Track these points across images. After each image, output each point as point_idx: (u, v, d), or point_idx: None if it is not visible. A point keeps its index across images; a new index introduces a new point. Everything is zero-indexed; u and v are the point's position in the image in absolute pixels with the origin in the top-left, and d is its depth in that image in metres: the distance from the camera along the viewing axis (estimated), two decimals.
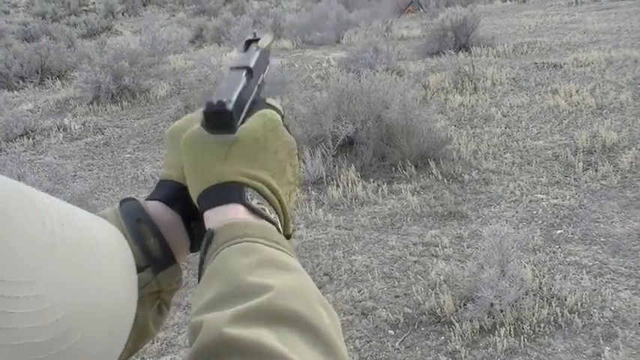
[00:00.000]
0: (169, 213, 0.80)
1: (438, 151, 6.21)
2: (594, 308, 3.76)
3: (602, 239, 4.60)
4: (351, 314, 3.99)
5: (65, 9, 29.11)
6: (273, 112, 0.83)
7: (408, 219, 5.21)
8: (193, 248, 0.82)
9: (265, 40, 0.95)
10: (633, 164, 5.68)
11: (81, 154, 8.08)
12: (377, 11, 17.64)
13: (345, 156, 6.30)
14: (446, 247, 4.66)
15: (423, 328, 3.82)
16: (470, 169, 5.98)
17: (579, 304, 3.78)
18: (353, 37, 13.51)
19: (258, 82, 0.89)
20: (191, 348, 0.58)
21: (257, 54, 0.89)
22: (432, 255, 4.61)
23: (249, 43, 0.93)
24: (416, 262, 4.55)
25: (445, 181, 5.80)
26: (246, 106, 0.81)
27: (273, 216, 0.75)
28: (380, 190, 5.74)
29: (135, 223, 0.75)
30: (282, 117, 0.85)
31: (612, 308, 3.76)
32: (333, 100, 6.64)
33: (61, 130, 9.00)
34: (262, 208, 0.74)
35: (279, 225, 0.76)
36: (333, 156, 6.20)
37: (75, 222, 0.51)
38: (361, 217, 5.33)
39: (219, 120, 0.75)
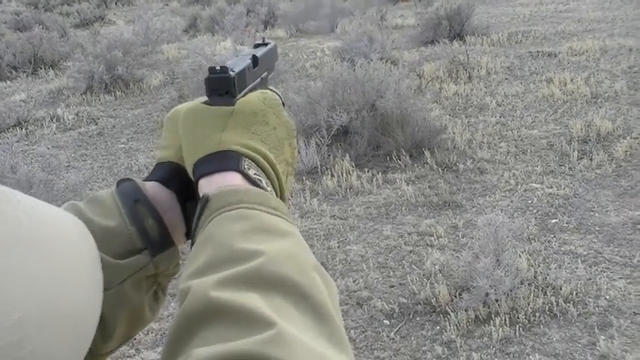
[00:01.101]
0: (166, 193, 0.79)
1: (432, 140, 6.20)
2: (589, 297, 3.77)
3: (597, 228, 4.60)
4: (346, 304, 3.98)
5: None
6: (274, 93, 0.83)
7: (403, 208, 5.20)
8: (189, 234, 0.81)
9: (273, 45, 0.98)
10: (628, 153, 5.69)
11: (74, 144, 8.04)
12: (371, 0, 17.58)
13: (339, 145, 6.28)
14: (441, 237, 4.66)
15: (418, 318, 3.82)
16: (465, 159, 5.97)
17: (574, 293, 3.78)
18: (347, 26, 13.45)
19: (262, 75, 0.91)
20: (177, 312, 0.57)
21: (265, 49, 0.93)
22: (427, 244, 4.60)
23: (258, 45, 0.97)
24: (411, 251, 4.54)
25: (440, 170, 5.80)
26: (248, 88, 0.83)
27: (269, 189, 0.74)
28: (375, 180, 5.73)
29: (132, 203, 0.74)
30: (283, 103, 0.85)
31: (607, 297, 3.77)
32: (328, 90, 6.62)
33: (54, 120, 8.96)
34: (259, 179, 0.73)
35: None
36: (327, 145, 6.19)
37: (38, 216, 0.49)
38: (356, 206, 5.33)
39: (221, 85, 0.76)
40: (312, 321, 0.56)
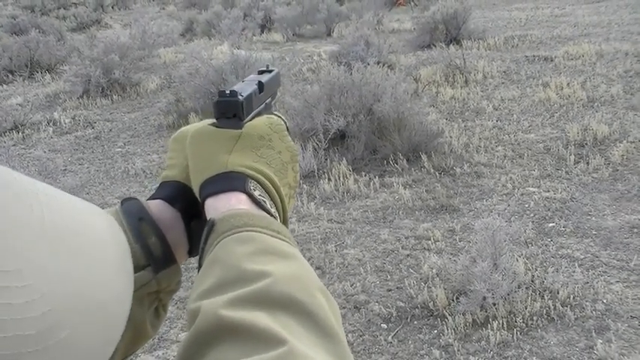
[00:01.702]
0: (170, 211, 0.81)
1: (429, 144, 6.20)
2: (586, 301, 3.77)
3: (594, 232, 4.61)
4: (344, 308, 3.98)
5: (54, 2, 28.95)
6: (279, 119, 0.86)
7: (400, 212, 5.21)
8: (192, 252, 0.83)
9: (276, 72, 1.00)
10: (624, 157, 5.70)
11: (71, 148, 8.03)
12: (368, 4, 17.60)
13: (336, 149, 6.29)
14: (438, 241, 4.66)
15: (415, 322, 3.81)
16: (461, 163, 5.98)
17: (571, 297, 3.78)
18: (344, 30, 13.48)
19: (266, 101, 0.94)
20: (188, 332, 0.58)
21: (269, 75, 0.95)
22: (425, 248, 4.60)
23: (262, 72, 0.98)
24: (408, 255, 4.54)
25: (437, 174, 5.80)
26: (253, 112, 0.85)
27: (273, 210, 0.76)
28: (372, 184, 5.73)
29: (136, 221, 0.75)
30: (287, 129, 0.88)
31: (604, 301, 3.77)
32: (325, 94, 6.62)
33: (50, 124, 8.95)
34: (263, 200, 0.75)
35: (278, 220, 0.76)
36: (324, 149, 6.19)
37: (66, 209, 0.50)
38: (353, 210, 5.33)
39: (230, 109, 0.79)
40: (318, 339, 0.57)
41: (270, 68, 0.99)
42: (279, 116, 0.89)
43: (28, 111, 9.50)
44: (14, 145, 8.07)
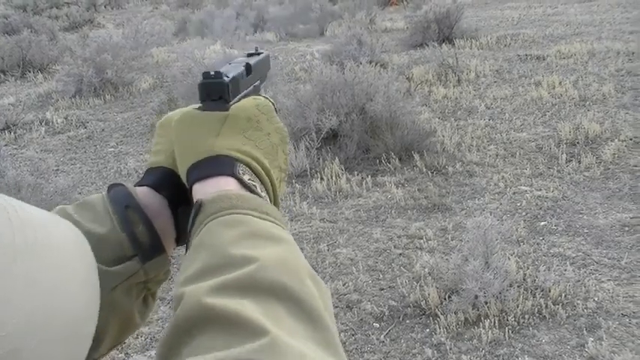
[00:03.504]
0: (157, 198, 0.79)
1: (422, 143, 6.21)
2: (578, 299, 3.78)
3: (586, 230, 4.62)
4: (336, 307, 3.98)
5: (47, 2, 28.85)
6: (267, 100, 0.84)
7: (393, 211, 5.21)
8: (179, 240, 0.81)
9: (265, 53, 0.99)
10: (616, 156, 5.72)
11: (63, 148, 8.01)
12: (361, 3, 17.60)
13: (329, 149, 6.29)
14: (430, 240, 4.67)
15: (408, 321, 3.82)
16: (454, 162, 5.99)
17: (563, 295, 3.80)
18: (337, 30, 13.48)
19: (255, 83, 0.91)
20: (171, 319, 0.57)
21: (258, 58, 0.94)
22: (417, 247, 4.61)
23: (250, 55, 0.97)
24: (400, 254, 4.55)
25: (429, 173, 5.81)
26: (241, 95, 0.83)
27: (263, 194, 0.74)
28: (364, 183, 5.73)
29: (123, 209, 0.74)
30: (276, 110, 0.85)
31: (596, 299, 3.78)
32: (317, 93, 6.62)
33: (43, 123, 8.93)
34: (253, 185, 0.73)
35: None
36: (317, 149, 6.19)
37: (28, 225, 0.49)
38: (345, 209, 5.33)
39: (215, 90, 0.77)
40: (305, 327, 0.55)
41: (259, 51, 0.98)
42: (267, 98, 0.86)
43: (20, 111, 9.47)
44: (6, 145, 8.04)
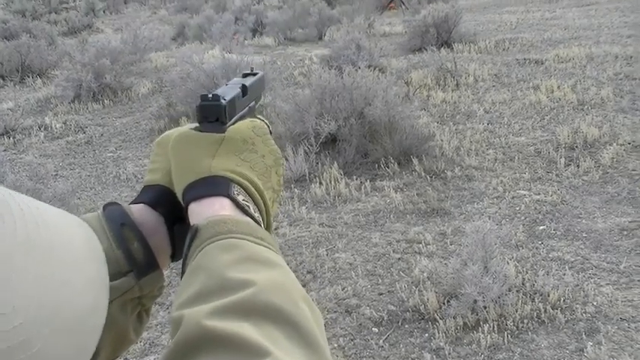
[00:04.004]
0: (154, 215, 0.81)
1: (420, 147, 6.22)
2: (577, 304, 3.78)
3: (585, 235, 4.63)
4: (335, 312, 3.98)
5: (46, 6, 28.88)
6: (262, 122, 0.86)
7: (391, 216, 5.21)
8: (175, 256, 0.82)
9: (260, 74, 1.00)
10: (614, 160, 5.72)
11: (62, 153, 8.02)
12: (359, 8, 17.62)
13: (327, 153, 6.29)
14: (429, 244, 4.67)
15: (406, 326, 3.82)
16: (452, 166, 5.99)
17: (562, 299, 3.80)
18: (335, 34, 13.48)
19: (250, 104, 0.93)
20: (171, 342, 0.58)
21: (253, 79, 0.95)
22: (416, 252, 4.61)
23: (246, 75, 0.98)
24: (399, 259, 4.55)
25: (428, 177, 5.81)
26: (237, 116, 0.85)
27: (257, 215, 0.76)
28: (363, 188, 5.74)
29: (119, 227, 0.75)
30: (270, 132, 0.87)
31: (594, 303, 3.78)
32: (316, 97, 6.63)
33: (42, 128, 8.93)
34: (247, 205, 0.74)
35: (262, 225, 0.76)
36: (315, 153, 6.20)
37: (41, 221, 0.50)
38: (344, 214, 5.33)
39: (212, 113, 0.79)
40: (301, 349, 0.57)
41: (254, 71, 0.99)
42: (262, 120, 0.88)
43: (19, 116, 9.48)
44: (5, 150, 8.05)
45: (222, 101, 0.79)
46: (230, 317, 0.57)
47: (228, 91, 0.84)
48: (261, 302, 0.59)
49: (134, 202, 0.82)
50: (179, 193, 0.77)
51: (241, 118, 0.87)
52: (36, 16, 25.87)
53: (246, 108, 0.91)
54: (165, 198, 0.82)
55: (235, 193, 0.74)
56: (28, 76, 12.44)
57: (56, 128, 8.93)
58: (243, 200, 0.74)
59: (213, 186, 0.74)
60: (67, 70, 10.32)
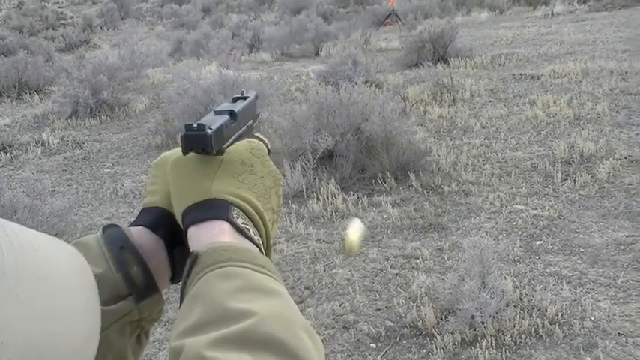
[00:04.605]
0: (153, 238, 0.80)
1: (417, 163, 6.23)
2: (574, 319, 3.78)
3: (582, 249, 4.63)
4: (333, 328, 3.97)
5: (43, 23, 28.98)
6: (261, 143, 0.85)
7: (389, 231, 5.22)
8: (174, 279, 0.82)
9: (251, 96, 0.97)
10: (610, 174, 5.74)
11: (59, 169, 8.02)
12: (355, 23, 17.70)
13: (324, 169, 6.30)
14: (426, 259, 4.67)
15: (404, 341, 3.81)
16: (449, 181, 6.00)
17: (560, 314, 3.79)
18: (332, 50, 13.55)
19: (247, 124, 0.92)
20: None
21: (244, 103, 0.92)
22: (413, 267, 4.61)
23: (236, 99, 0.95)
24: (397, 274, 4.55)
25: (425, 193, 5.82)
26: (233, 138, 0.83)
27: (256, 238, 0.75)
28: (360, 203, 5.74)
29: (118, 250, 0.75)
30: (269, 152, 0.86)
31: (592, 318, 3.78)
32: (313, 113, 6.65)
33: (39, 145, 8.94)
34: (246, 228, 0.74)
35: (262, 248, 0.76)
36: (312, 169, 6.20)
37: (29, 250, 0.49)
38: (342, 230, 5.33)
39: (198, 144, 0.76)
40: None
41: (245, 95, 0.97)
42: (261, 138, 0.88)
43: (17, 132, 9.49)
44: (2, 166, 8.05)
45: (208, 131, 0.76)
46: (230, 348, 0.57)
47: (215, 120, 0.81)
48: (261, 333, 0.59)
49: (133, 225, 0.82)
50: (178, 216, 0.77)
51: (240, 138, 0.86)
52: (33, 32, 25.94)
53: (244, 127, 0.89)
54: (164, 220, 0.82)
55: (234, 216, 0.74)
56: (26, 92, 12.46)
57: (53, 144, 8.93)
58: (243, 223, 0.74)
59: (212, 209, 0.74)
60: (64, 86, 10.33)
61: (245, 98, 0.95)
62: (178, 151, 0.82)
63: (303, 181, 6.08)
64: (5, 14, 32.00)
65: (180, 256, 0.79)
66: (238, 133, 0.86)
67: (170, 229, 0.81)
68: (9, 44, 18.06)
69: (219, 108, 0.88)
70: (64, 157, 8.44)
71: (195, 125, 0.76)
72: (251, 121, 0.95)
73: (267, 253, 0.78)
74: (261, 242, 0.76)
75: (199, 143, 0.76)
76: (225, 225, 0.72)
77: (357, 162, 6.30)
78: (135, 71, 11.98)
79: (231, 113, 0.86)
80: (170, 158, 0.82)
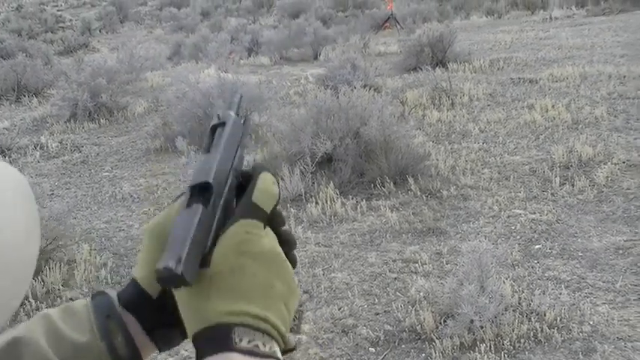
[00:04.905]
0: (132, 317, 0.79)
1: (416, 167, 6.23)
2: (573, 323, 3.79)
3: (580, 254, 4.63)
4: (332, 332, 3.98)
5: (42, 26, 28.99)
6: (247, 222, 0.73)
7: (388, 235, 5.22)
8: (161, 350, 0.81)
9: (233, 112, 0.80)
10: (609, 179, 5.74)
11: (58, 172, 8.01)
12: (354, 27, 17.73)
13: (323, 173, 6.30)
14: (425, 264, 4.67)
15: (403, 346, 3.82)
16: (448, 185, 6.01)
17: (558, 319, 3.80)
18: (330, 54, 13.55)
19: (234, 164, 0.76)
20: None
21: (220, 151, 0.74)
22: (412, 271, 4.61)
23: (214, 129, 0.78)
24: (395, 278, 4.55)
25: (424, 197, 5.82)
26: (213, 229, 0.72)
27: (268, 347, 0.70)
28: (359, 207, 5.74)
29: (104, 319, 0.75)
30: (279, 199, 0.77)
31: (591, 323, 3.79)
32: (311, 117, 6.65)
33: (37, 148, 8.93)
34: (255, 345, 0.69)
35: (279, 348, 0.72)
36: (311, 173, 6.20)
37: None
38: (340, 234, 5.33)
39: (173, 284, 0.67)
40: None
41: (221, 120, 0.78)
42: (256, 205, 0.74)
43: (15, 135, 9.49)
44: None
45: (178, 270, 0.64)
46: None
47: (182, 237, 0.66)
48: None
49: (122, 293, 0.80)
50: (190, 338, 0.72)
51: (225, 210, 0.73)
52: (32, 35, 25.95)
53: (230, 175, 0.75)
54: (139, 302, 0.78)
55: (238, 340, 0.68)
56: (24, 95, 12.45)
57: (52, 147, 8.93)
58: (249, 342, 0.69)
59: (214, 340, 0.69)
60: (62, 90, 10.33)
61: (223, 124, 0.77)
62: (167, 219, 0.77)
63: (302, 185, 6.09)
64: (4, 17, 32.02)
65: (163, 338, 0.78)
66: (224, 193, 0.74)
67: (146, 310, 0.78)
68: (8, 47, 18.06)
69: (191, 182, 0.71)
70: (63, 161, 8.44)
71: (162, 268, 0.64)
72: (238, 150, 0.78)
73: (286, 343, 0.73)
74: (276, 344, 0.71)
75: (175, 284, 0.66)
76: (231, 355, 0.68)
77: (355, 166, 6.30)
78: (134, 74, 11.98)
79: (205, 198, 0.70)
80: (161, 226, 0.77)
